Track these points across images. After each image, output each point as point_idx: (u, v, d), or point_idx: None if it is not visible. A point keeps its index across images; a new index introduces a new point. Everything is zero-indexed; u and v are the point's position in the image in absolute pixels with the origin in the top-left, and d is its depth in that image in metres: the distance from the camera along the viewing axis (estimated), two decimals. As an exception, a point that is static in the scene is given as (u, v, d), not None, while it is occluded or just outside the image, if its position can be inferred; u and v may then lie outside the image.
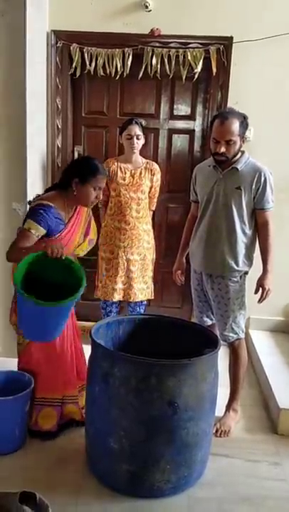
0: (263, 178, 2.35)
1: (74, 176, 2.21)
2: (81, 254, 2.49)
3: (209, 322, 2.63)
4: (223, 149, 2.31)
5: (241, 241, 2.42)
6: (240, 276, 2.46)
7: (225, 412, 2.57)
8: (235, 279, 2.45)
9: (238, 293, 2.46)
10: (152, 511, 1.94)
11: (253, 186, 2.36)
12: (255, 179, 2.35)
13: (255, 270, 2.50)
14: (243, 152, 2.43)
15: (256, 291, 2.45)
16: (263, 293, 2.44)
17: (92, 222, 2.49)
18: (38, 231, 2.14)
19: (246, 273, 2.49)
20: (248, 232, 2.42)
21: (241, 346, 2.53)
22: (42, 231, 2.15)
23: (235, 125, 2.29)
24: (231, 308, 2.46)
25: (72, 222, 2.29)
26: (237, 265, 2.43)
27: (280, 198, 2.75)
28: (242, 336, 2.52)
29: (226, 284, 2.45)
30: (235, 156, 2.38)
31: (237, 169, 2.38)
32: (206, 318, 2.64)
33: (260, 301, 2.46)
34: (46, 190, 2.38)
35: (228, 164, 2.39)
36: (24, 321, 2.07)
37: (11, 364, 2.70)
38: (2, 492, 1.93)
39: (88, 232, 2.42)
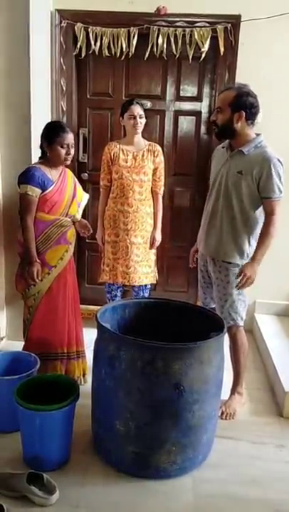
0: (267, 165, 2.24)
1: (43, 141, 2.49)
2: (77, 216, 2.67)
3: (212, 304, 2.62)
4: (213, 117, 2.33)
5: (240, 227, 2.36)
6: (242, 263, 2.40)
7: (230, 395, 2.58)
8: (235, 264, 2.40)
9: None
10: (158, 492, 1.96)
11: (255, 172, 2.26)
12: (259, 165, 2.26)
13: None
14: (258, 135, 2.35)
15: (238, 276, 2.36)
16: (242, 279, 2.33)
17: (79, 188, 2.71)
18: (33, 192, 2.42)
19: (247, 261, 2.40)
20: (249, 219, 2.35)
21: (239, 333, 2.50)
22: (37, 191, 2.42)
23: (229, 95, 2.27)
24: (229, 292, 2.43)
25: (60, 181, 2.54)
26: (235, 251, 2.38)
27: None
28: (240, 323, 2.47)
29: (226, 268, 2.42)
30: (225, 129, 2.31)
31: (243, 152, 2.32)
32: (209, 300, 2.64)
33: (238, 286, 2.37)
34: None
35: (237, 146, 2.35)
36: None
37: (17, 348, 2.74)
38: (10, 472, 1.96)
39: (75, 194, 2.63)
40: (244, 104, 2.26)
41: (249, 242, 2.39)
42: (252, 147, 2.31)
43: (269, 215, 2.31)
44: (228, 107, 2.27)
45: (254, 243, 2.40)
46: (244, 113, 2.26)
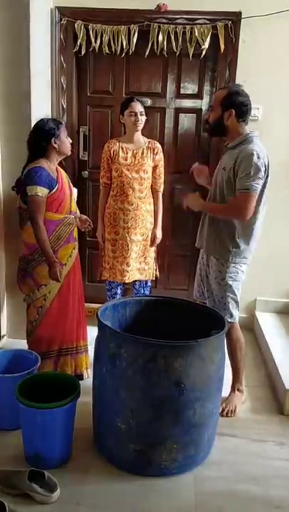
0: (242, 159, 2.24)
1: (49, 138, 2.47)
2: (77, 211, 2.70)
3: (202, 299, 2.62)
4: (206, 115, 2.39)
5: (223, 224, 2.37)
6: (227, 260, 2.39)
7: (230, 393, 2.58)
8: (221, 260, 2.41)
9: (224, 274, 2.41)
10: (159, 490, 1.96)
11: (233, 166, 2.27)
12: (236, 159, 2.27)
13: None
14: (250, 132, 2.37)
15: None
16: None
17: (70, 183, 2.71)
18: (42, 192, 2.41)
19: (233, 261, 2.40)
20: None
21: (232, 329, 2.48)
22: (45, 191, 2.43)
23: (221, 93, 2.35)
24: (216, 288, 2.44)
25: (60, 179, 2.55)
26: (220, 247, 2.39)
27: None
28: (230, 320, 2.43)
29: (214, 263, 2.44)
30: (217, 127, 2.38)
31: (230, 149, 2.37)
32: (200, 294, 2.63)
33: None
34: (23, 168, 2.56)
35: (229, 143, 2.40)
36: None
37: (18, 345, 2.74)
38: (11, 470, 1.97)
39: (71, 190, 2.65)
40: (234, 103, 2.31)
41: (233, 238, 2.37)
42: (238, 143, 2.34)
43: (233, 202, 2.30)
44: (219, 105, 2.34)
45: (246, 242, 2.38)
46: (234, 111, 2.31)
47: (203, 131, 3.42)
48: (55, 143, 2.46)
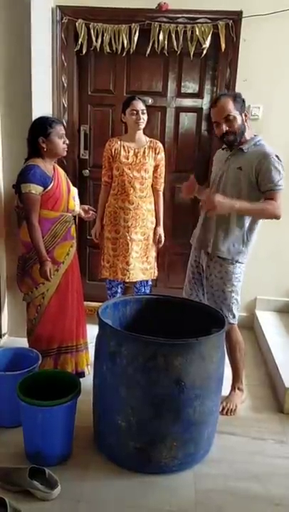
0: (265, 160, 2.27)
1: (37, 136, 2.44)
2: (76, 209, 2.68)
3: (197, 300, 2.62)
4: (225, 128, 2.32)
5: (235, 225, 2.37)
6: (236, 261, 2.41)
7: (230, 391, 2.59)
8: (229, 260, 2.41)
9: (231, 274, 2.42)
10: (159, 487, 1.97)
11: (254, 167, 2.29)
12: (258, 161, 2.29)
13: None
14: (256, 135, 2.40)
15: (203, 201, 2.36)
16: (206, 200, 2.25)
17: (69, 182, 2.69)
18: (36, 189, 2.41)
19: (241, 260, 2.42)
20: (245, 216, 2.36)
21: (232, 331, 2.49)
22: (39, 188, 2.41)
23: (228, 102, 2.31)
24: (222, 288, 2.44)
25: (56, 177, 2.54)
26: (229, 247, 2.39)
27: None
28: (231, 321, 2.46)
29: (220, 264, 2.43)
30: (242, 133, 2.34)
31: (242, 150, 2.36)
32: (194, 297, 2.63)
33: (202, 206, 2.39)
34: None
35: (237, 145, 2.38)
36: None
37: (19, 344, 2.75)
38: (12, 467, 1.98)
39: (69, 188, 2.63)
40: (243, 104, 2.35)
41: (244, 238, 2.39)
42: (251, 145, 2.36)
43: (271, 201, 2.30)
44: (237, 112, 2.31)
45: (250, 240, 2.41)
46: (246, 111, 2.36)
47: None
48: (43, 142, 2.43)
